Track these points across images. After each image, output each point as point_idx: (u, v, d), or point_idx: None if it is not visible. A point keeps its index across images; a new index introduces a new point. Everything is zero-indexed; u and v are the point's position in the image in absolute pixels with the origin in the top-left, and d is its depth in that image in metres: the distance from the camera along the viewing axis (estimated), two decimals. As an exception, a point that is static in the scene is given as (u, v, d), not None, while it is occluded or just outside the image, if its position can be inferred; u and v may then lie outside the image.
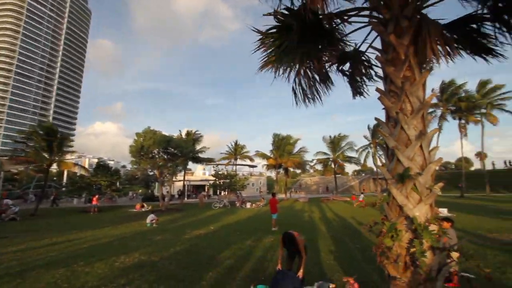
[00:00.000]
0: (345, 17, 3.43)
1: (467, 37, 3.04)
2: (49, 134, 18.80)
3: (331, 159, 34.24)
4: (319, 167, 37.68)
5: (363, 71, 3.78)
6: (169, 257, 7.04)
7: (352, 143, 33.91)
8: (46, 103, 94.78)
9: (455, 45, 3.19)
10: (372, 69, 3.79)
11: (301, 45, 2.97)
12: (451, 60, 3.29)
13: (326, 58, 3.67)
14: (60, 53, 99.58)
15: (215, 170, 28.40)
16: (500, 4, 2.82)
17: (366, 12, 3.36)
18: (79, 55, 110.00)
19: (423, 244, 2.21)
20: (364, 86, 3.84)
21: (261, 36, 3.15)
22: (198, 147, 30.27)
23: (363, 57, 3.83)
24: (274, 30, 3.21)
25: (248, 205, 23.54)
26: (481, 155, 39.08)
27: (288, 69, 3.41)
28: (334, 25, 3.23)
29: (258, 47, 3.21)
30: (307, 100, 3.73)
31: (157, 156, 21.66)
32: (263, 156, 30.23)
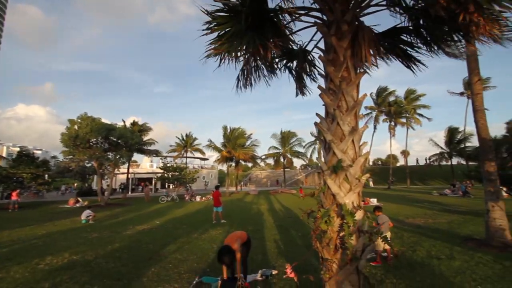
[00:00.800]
0: (296, 15, 3.56)
1: (395, 46, 3.46)
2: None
3: (280, 154, 35.79)
4: (271, 161, 38.97)
5: (308, 69, 4.02)
6: (106, 255, 6.49)
7: (301, 139, 36.03)
8: None
9: (385, 52, 3.61)
10: (316, 68, 4.06)
11: (248, 33, 2.97)
12: (385, 63, 3.74)
13: (275, 54, 3.77)
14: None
15: (163, 162, 26.87)
16: (420, 22, 3.27)
17: (315, 13, 3.55)
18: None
19: (350, 228, 2.48)
20: (308, 84, 4.10)
21: (209, 19, 3.05)
22: (145, 138, 28.31)
23: (309, 57, 4.05)
24: (222, 13, 3.14)
25: (198, 198, 23.10)
26: (405, 153, 45.39)
27: (235, 57, 3.39)
28: (282, 19, 3.31)
29: (207, 28, 3.10)
30: (248, 87, 3.82)
31: (95, 146, 19.51)
32: (215, 148, 29.83)
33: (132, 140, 20.71)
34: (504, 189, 13.98)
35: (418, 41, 3.43)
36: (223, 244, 4.53)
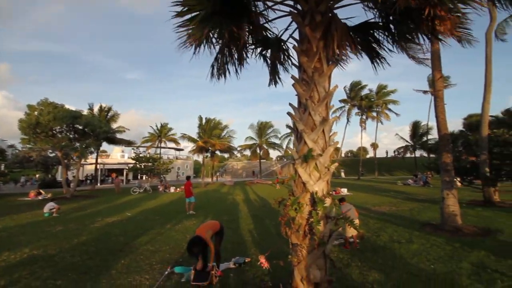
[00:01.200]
0: (271, 3, 3.53)
1: (366, 41, 3.57)
2: None
3: (257, 145, 36.05)
4: (247, 152, 39.17)
5: (282, 59, 4.03)
6: (71, 249, 6.17)
7: (277, 130, 36.48)
8: None
9: (357, 46, 3.72)
10: (290, 58, 4.09)
11: (216, 17, 2.88)
12: (356, 56, 3.86)
13: (249, 41, 3.73)
14: None
15: (135, 153, 25.78)
16: (391, 17, 3.40)
17: (290, 3, 3.54)
18: None
19: (319, 214, 2.58)
20: (283, 74, 4.13)
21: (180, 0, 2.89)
22: (115, 126, 26.85)
23: (284, 46, 4.06)
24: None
25: (172, 189, 22.62)
26: (374, 146, 47.86)
27: (208, 44, 3.30)
28: (256, 6, 3.26)
29: (177, 12, 2.95)
30: (223, 76, 3.76)
31: (59, 134, 18.15)
32: (191, 139, 29.19)
33: (100, 129, 19.54)
34: (458, 179, 15.34)
35: (386, 37, 3.56)
36: (194, 235, 4.51)
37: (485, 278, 4.18)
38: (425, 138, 36.83)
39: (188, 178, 12.74)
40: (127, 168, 30.83)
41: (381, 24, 3.39)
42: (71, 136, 18.82)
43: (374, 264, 4.88)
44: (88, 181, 31.40)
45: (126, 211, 11.94)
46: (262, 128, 35.61)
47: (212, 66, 3.86)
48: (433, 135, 34.64)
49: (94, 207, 13.73)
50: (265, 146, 36.32)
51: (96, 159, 27.51)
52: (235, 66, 3.85)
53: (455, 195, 7.44)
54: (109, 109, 27.16)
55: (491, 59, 11.43)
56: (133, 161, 25.57)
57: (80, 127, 18.82)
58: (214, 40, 3.32)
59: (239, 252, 5.77)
